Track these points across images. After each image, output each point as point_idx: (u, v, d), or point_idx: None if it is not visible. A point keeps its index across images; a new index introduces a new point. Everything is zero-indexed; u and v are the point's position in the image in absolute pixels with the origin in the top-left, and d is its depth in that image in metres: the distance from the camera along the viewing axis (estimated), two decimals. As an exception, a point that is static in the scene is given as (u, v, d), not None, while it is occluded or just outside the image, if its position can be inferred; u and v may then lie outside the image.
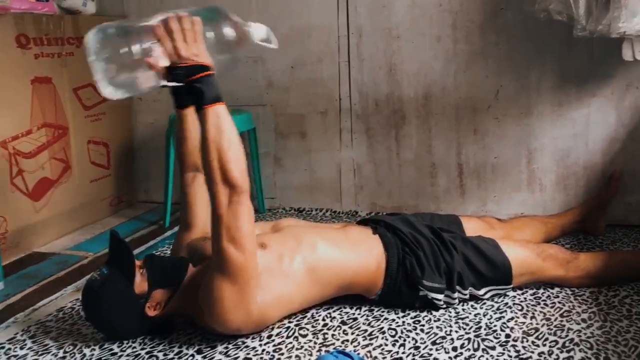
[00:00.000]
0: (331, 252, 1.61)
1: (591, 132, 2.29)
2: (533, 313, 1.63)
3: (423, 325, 1.59)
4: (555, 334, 1.51)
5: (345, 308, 1.70)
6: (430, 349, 1.47)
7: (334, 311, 1.69)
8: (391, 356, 1.45)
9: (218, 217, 1.38)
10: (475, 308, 1.67)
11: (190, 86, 1.37)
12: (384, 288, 1.66)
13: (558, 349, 1.44)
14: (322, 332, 1.58)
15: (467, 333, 1.54)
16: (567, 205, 2.34)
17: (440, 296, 1.64)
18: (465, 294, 1.67)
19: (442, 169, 2.51)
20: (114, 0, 2.83)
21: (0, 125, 2.22)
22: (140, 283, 1.47)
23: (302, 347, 1.50)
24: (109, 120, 2.77)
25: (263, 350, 1.49)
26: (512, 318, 1.61)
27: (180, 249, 1.69)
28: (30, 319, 1.75)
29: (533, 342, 1.48)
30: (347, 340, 1.53)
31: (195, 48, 1.36)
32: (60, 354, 1.52)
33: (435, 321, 1.61)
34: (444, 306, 1.67)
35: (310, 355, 1.46)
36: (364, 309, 1.70)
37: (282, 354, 1.47)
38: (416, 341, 1.51)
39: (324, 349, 1.49)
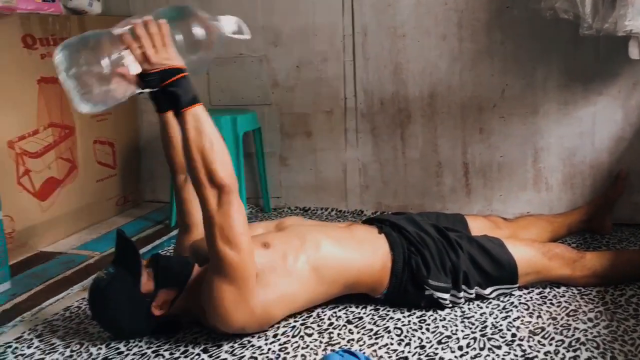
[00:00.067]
0: (335, 251, 1.61)
1: (598, 131, 2.28)
2: (539, 312, 1.63)
3: (429, 325, 1.59)
4: (561, 333, 1.51)
5: (350, 307, 1.70)
6: (436, 348, 1.46)
7: (339, 310, 1.69)
8: (397, 355, 1.44)
9: (210, 220, 1.37)
10: (481, 307, 1.67)
11: (164, 91, 1.35)
12: (390, 287, 1.66)
13: (564, 348, 1.44)
14: (328, 331, 1.58)
15: (473, 332, 1.53)
16: (573, 205, 2.33)
17: (446, 295, 1.64)
18: (471, 293, 1.67)
19: (448, 168, 2.50)
20: (120, 0, 2.84)
21: (7, 125, 2.23)
22: (146, 282, 1.47)
23: (307, 346, 1.50)
24: (114, 120, 2.77)
25: (269, 349, 1.49)
26: (518, 317, 1.60)
27: (183, 250, 1.69)
28: (37, 318, 1.76)
29: (539, 342, 1.47)
30: (353, 340, 1.53)
31: (164, 52, 1.34)
32: (67, 353, 1.53)
33: (441, 320, 1.61)
34: (450, 305, 1.66)
35: (316, 354, 1.46)
36: (369, 308, 1.70)
37: (288, 352, 1.47)
38: (422, 340, 1.51)
39: (329, 348, 1.49)
